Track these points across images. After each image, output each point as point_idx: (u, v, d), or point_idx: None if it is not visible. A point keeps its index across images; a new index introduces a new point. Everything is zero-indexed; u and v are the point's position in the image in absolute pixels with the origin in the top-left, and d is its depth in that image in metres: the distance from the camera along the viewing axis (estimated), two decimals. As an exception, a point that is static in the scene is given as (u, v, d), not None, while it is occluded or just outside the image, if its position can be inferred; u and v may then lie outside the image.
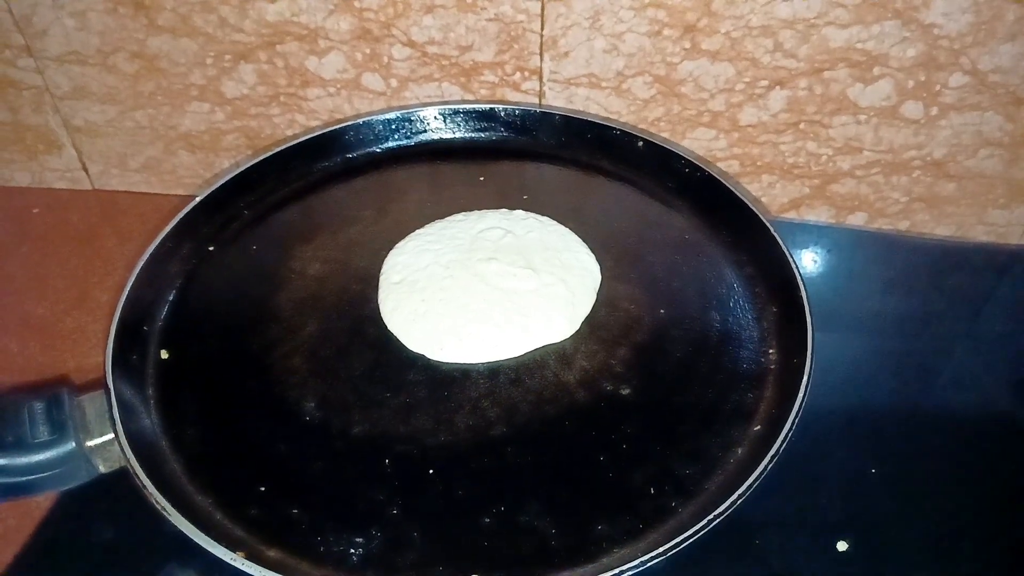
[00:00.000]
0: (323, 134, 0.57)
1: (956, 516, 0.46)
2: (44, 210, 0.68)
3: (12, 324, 0.57)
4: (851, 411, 0.51)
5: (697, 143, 0.61)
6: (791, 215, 0.65)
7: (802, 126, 0.59)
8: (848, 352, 0.56)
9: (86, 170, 0.69)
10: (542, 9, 0.56)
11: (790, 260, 0.45)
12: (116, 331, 0.42)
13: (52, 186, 0.70)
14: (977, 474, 0.48)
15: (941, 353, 0.57)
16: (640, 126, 0.61)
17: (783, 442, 0.38)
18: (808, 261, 0.62)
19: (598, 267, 0.49)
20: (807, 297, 0.43)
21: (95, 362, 0.41)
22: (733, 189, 0.50)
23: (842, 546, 0.42)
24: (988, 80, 0.54)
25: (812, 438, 0.41)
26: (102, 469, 0.38)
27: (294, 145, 0.55)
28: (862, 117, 0.58)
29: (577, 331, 0.45)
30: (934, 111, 0.57)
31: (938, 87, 0.55)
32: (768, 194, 0.64)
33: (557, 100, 0.61)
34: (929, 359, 0.56)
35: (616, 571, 0.33)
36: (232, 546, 0.34)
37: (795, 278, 0.44)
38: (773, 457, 0.37)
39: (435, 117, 0.58)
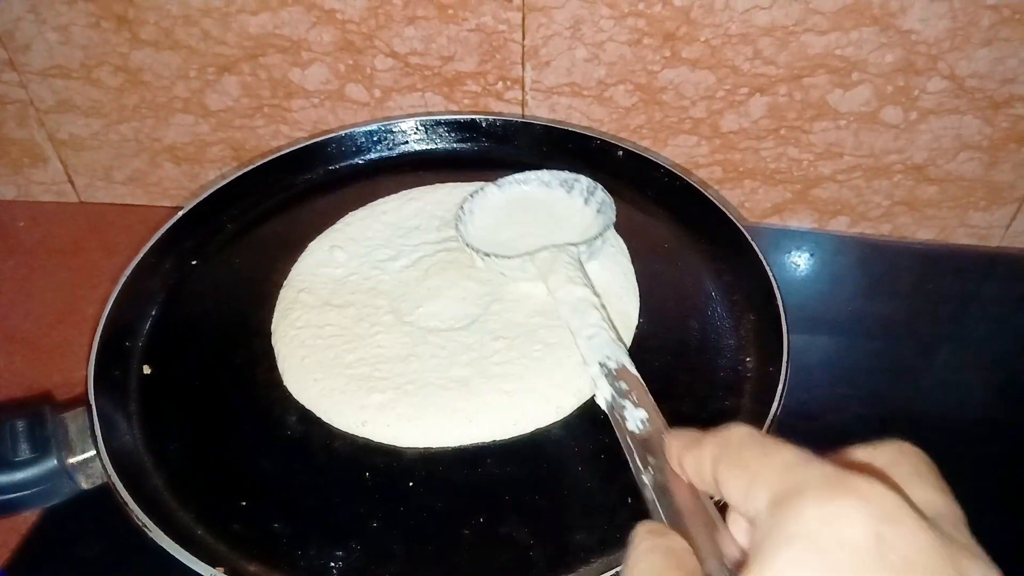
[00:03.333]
0: (305, 147, 0.57)
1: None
2: (30, 223, 0.68)
3: (-2, 338, 0.57)
4: (833, 416, 0.51)
5: (679, 150, 0.62)
6: (774, 220, 0.65)
7: (783, 132, 0.59)
8: (831, 356, 0.56)
9: (72, 183, 0.69)
10: (523, 19, 0.56)
11: (767, 269, 0.45)
12: (98, 347, 0.42)
13: (38, 199, 0.70)
14: (962, 478, 0.48)
15: (924, 356, 0.57)
16: (622, 134, 0.61)
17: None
18: (791, 266, 0.62)
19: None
20: (783, 305, 0.43)
21: (81, 376, 0.41)
22: (712, 198, 0.50)
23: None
24: (966, 84, 0.55)
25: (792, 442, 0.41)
26: (84, 486, 0.39)
27: (276, 158, 0.55)
28: (842, 122, 0.58)
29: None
30: (913, 115, 0.57)
31: (917, 92, 0.56)
32: (750, 199, 0.64)
33: (540, 109, 0.61)
34: (912, 362, 0.56)
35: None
36: (212, 562, 0.34)
37: (772, 287, 0.44)
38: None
39: (416, 128, 0.59)
